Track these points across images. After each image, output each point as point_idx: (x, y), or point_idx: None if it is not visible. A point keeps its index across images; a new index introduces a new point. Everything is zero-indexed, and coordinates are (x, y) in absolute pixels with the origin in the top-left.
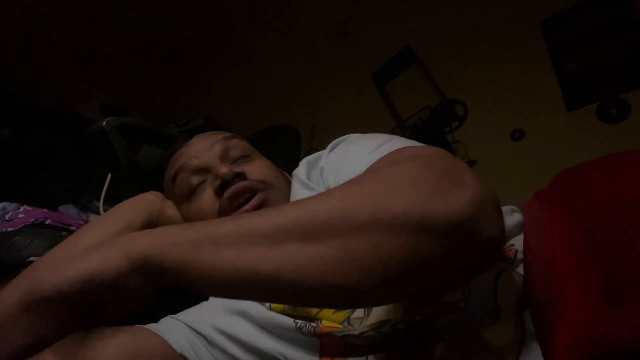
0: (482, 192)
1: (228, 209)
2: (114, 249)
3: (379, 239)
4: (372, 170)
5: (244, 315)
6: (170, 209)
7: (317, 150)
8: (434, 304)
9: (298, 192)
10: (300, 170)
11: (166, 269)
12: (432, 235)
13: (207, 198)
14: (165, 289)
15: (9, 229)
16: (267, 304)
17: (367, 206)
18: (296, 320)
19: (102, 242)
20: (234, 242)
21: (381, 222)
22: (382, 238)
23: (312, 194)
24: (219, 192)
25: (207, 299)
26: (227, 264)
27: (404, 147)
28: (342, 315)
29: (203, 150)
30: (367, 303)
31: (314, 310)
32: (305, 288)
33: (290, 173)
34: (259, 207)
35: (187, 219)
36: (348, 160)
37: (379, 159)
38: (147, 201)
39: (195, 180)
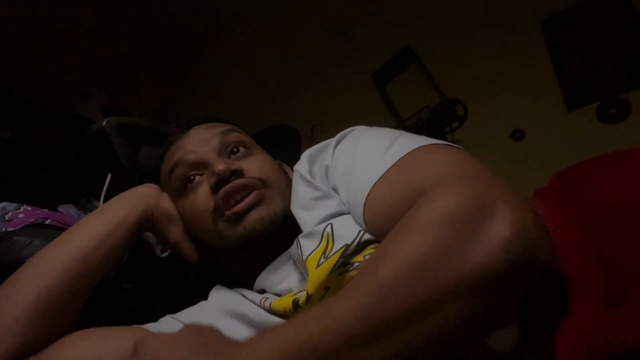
0: (523, 218)
1: (222, 207)
2: None
3: (439, 320)
4: (403, 226)
5: (243, 318)
6: (166, 203)
7: None
8: None
9: (299, 188)
10: (302, 166)
11: None
12: (490, 290)
13: (202, 195)
14: (164, 287)
15: (9, 229)
16: (267, 307)
17: (412, 291)
18: None
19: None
20: None
21: (434, 300)
22: (440, 318)
23: (315, 192)
24: (214, 189)
25: (206, 299)
26: None
27: (415, 162)
28: None
29: (200, 144)
30: None
31: None
32: None
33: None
34: (253, 205)
35: (183, 214)
36: (358, 160)
37: (398, 171)
38: (143, 194)
39: (191, 175)
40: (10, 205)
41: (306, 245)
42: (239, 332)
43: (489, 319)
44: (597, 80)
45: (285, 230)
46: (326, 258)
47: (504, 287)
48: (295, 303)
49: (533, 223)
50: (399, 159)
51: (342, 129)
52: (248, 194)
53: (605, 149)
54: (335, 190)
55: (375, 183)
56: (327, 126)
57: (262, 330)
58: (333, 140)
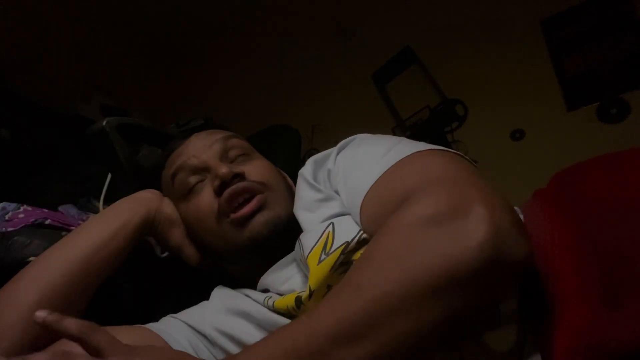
0: (498, 217)
1: (227, 209)
2: None
3: (418, 315)
4: (385, 229)
5: (246, 316)
6: (168, 207)
7: (317, 150)
8: None
9: (304, 192)
10: (307, 170)
11: None
12: (463, 287)
13: (205, 198)
14: (164, 287)
15: (9, 229)
16: (270, 305)
17: (395, 289)
18: None
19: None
20: None
21: (413, 294)
22: (418, 314)
23: (318, 195)
24: (218, 192)
25: (207, 299)
26: None
27: (407, 167)
28: None
29: (202, 149)
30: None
31: None
32: None
33: (290, 173)
34: (257, 209)
35: (186, 218)
36: (358, 165)
37: (387, 178)
38: (145, 199)
39: (193, 179)
40: (10, 205)
41: (307, 242)
42: (243, 330)
43: (466, 315)
44: (597, 80)
45: (288, 233)
46: (327, 255)
47: (479, 284)
48: (298, 300)
49: (509, 222)
50: (394, 164)
51: (342, 129)
52: (251, 198)
53: (605, 149)
54: (337, 193)
55: (370, 187)
56: (327, 126)
57: (265, 329)
58: (336, 148)
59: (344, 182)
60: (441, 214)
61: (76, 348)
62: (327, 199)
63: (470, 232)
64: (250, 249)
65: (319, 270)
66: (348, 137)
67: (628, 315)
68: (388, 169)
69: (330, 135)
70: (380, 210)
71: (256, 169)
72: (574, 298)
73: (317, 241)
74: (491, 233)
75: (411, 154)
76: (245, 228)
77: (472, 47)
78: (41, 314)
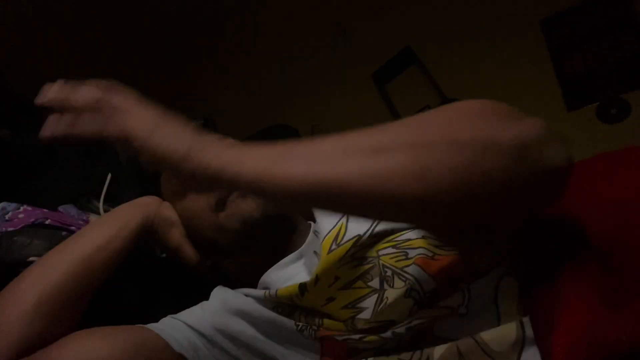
0: (546, 126)
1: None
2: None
3: (443, 154)
4: (439, 109)
5: (245, 316)
6: (167, 210)
7: None
8: (434, 308)
9: None
10: None
11: (240, 180)
12: (498, 152)
13: (202, 197)
14: (165, 289)
15: (9, 229)
16: (273, 295)
17: (435, 129)
18: (297, 323)
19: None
20: (307, 156)
21: (447, 140)
22: (446, 153)
23: None
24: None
25: (207, 299)
26: (299, 177)
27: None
28: (347, 313)
29: None
30: (429, 218)
31: (319, 304)
32: (366, 198)
33: None
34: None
35: (184, 215)
36: None
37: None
38: (143, 203)
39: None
40: (10, 205)
41: (322, 228)
42: (242, 329)
43: (489, 182)
44: (597, 80)
45: (283, 225)
46: (338, 245)
47: (535, 160)
48: (302, 286)
49: (558, 134)
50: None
51: (342, 129)
52: None
53: (605, 149)
54: None
55: None
56: (327, 126)
57: (264, 328)
58: None
59: None
60: (497, 110)
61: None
62: None
63: (522, 123)
64: (245, 235)
65: (327, 259)
66: None
67: (628, 314)
68: None
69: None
70: None
71: None
72: (573, 298)
73: (331, 230)
74: (540, 130)
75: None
76: (237, 210)
77: (472, 47)
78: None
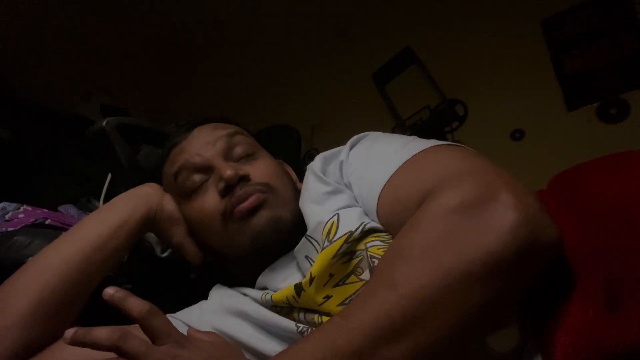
0: (526, 203)
1: (232, 209)
2: None
3: (453, 305)
4: (413, 223)
5: (244, 316)
6: (169, 204)
7: (317, 150)
8: None
9: (311, 184)
10: (316, 164)
11: None
12: (503, 273)
13: (210, 199)
14: (164, 287)
15: (9, 229)
16: (268, 300)
17: (431, 281)
18: (297, 324)
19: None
20: None
21: (448, 289)
22: (454, 303)
23: (327, 187)
24: (223, 194)
25: (206, 298)
26: None
27: (425, 160)
28: None
29: (205, 146)
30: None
31: (316, 303)
32: None
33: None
34: (257, 206)
35: (189, 217)
36: (373, 159)
37: (411, 166)
38: (146, 194)
39: (197, 178)
40: (10, 205)
41: (315, 223)
42: (240, 329)
43: (503, 302)
44: (597, 80)
45: (291, 234)
46: (330, 242)
47: (515, 270)
48: (298, 287)
49: (537, 207)
50: (411, 157)
51: (342, 129)
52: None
53: (605, 149)
54: (347, 186)
55: (388, 180)
56: (327, 126)
57: (264, 329)
58: (348, 143)
59: (358, 175)
60: (469, 202)
61: (75, 351)
62: (335, 192)
63: (501, 219)
64: (253, 248)
65: (321, 257)
66: (348, 137)
67: (628, 316)
68: (405, 162)
69: (330, 135)
70: (399, 203)
71: (261, 169)
72: (575, 299)
73: (324, 228)
74: (521, 218)
75: (428, 148)
76: (248, 226)
77: (472, 47)
78: (110, 291)
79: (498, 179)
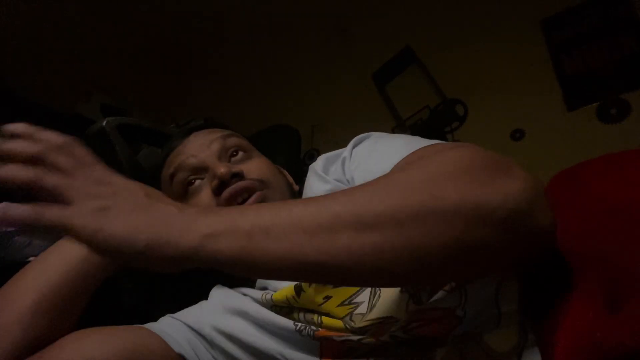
0: (533, 182)
1: (222, 205)
2: (167, 231)
3: (433, 227)
4: (420, 156)
5: (244, 315)
6: None
7: (317, 150)
8: (431, 309)
9: (313, 183)
10: (318, 164)
11: (218, 261)
12: (488, 225)
13: (204, 198)
14: (164, 289)
15: (9, 229)
16: (268, 299)
17: (421, 195)
18: (296, 323)
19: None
20: (287, 234)
21: (436, 211)
22: (436, 227)
23: (327, 186)
24: (217, 192)
25: (206, 299)
26: (280, 257)
27: (442, 142)
28: (344, 310)
29: (200, 148)
30: (413, 286)
31: (316, 303)
32: (356, 274)
33: (290, 173)
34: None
35: None
36: (377, 154)
37: (422, 147)
38: None
39: (192, 179)
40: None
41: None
42: (241, 329)
43: (471, 259)
44: (597, 80)
45: None
46: None
47: (501, 232)
48: (297, 287)
49: (542, 191)
50: (417, 149)
51: (342, 129)
52: (250, 196)
53: (605, 149)
54: (349, 181)
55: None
56: (327, 126)
57: (263, 328)
58: (351, 142)
59: (362, 168)
60: (482, 163)
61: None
62: (336, 190)
63: (509, 183)
64: None
65: None
66: (348, 137)
67: (628, 316)
68: (409, 154)
69: (330, 135)
70: None
71: (255, 167)
72: (575, 299)
73: None
74: (528, 191)
75: (433, 144)
76: None
77: (472, 47)
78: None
79: (509, 160)
